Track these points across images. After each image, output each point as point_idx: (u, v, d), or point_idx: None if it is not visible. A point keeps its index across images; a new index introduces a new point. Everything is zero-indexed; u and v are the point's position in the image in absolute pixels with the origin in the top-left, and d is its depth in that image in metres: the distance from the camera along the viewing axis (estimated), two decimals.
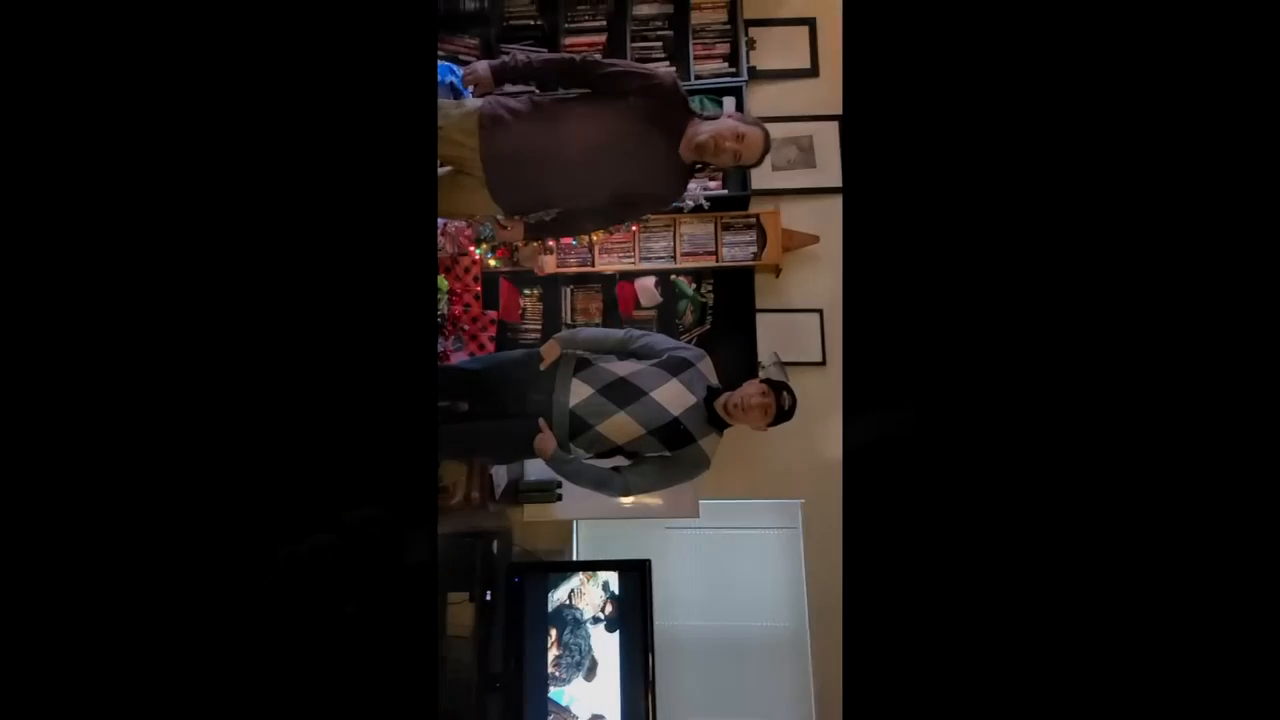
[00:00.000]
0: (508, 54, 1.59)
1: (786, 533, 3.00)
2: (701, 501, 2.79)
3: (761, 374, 2.93)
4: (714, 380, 1.77)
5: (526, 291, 3.07)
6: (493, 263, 2.82)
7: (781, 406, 1.65)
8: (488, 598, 2.51)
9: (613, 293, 3.00)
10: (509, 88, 1.61)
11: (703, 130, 1.53)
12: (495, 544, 2.61)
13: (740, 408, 1.65)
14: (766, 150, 1.60)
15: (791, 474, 2.95)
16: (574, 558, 3.02)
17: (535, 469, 2.89)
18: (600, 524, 3.04)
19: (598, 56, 1.59)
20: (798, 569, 2.94)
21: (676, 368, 1.72)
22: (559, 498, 2.84)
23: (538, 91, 1.61)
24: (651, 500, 2.87)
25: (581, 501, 2.84)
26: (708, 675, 2.90)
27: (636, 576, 2.63)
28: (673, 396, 1.68)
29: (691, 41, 3.04)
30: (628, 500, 2.88)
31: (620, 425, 1.67)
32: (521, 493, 2.82)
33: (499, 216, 1.81)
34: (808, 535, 2.92)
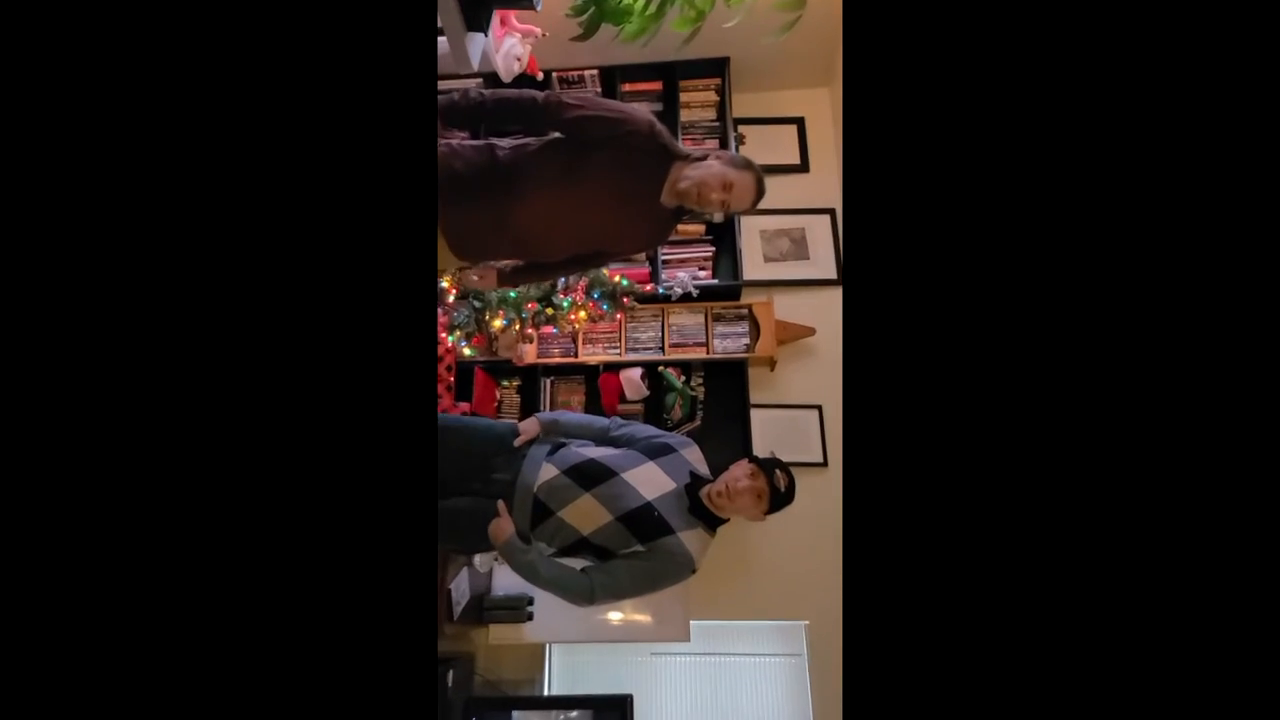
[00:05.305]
0: (456, 92, 1.39)
1: (790, 661, 2.67)
2: (693, 623, 2.51)
3: None
4: (702, 470, 1.57)
5: (504, 383, 2.88)
6: (468, 351, 2.64)
7: (776, 488, 1.44)
8: None
9: (596, 385, 2.81)
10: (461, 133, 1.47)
11: (686, 177, 1.38)
12: (451, 674, 2.24)
13: (727, 495, 1.44)
14: (760, 195, 1.44)
15: (794, 591, 2.69)
16: (546, 688, 2.62)
17: (504, 582, 2.57)
18: (577, 649, 2.69)
19: (564, 96, 1.37)
20: (804, 703, 2.59)
21: (655, 451, 1.54)
22: (530, 616, 2.51)
23: (497, 139, 1.45)
24: (638, 617, 2.54)
25: (556, 621, 2.52)
26: None
27: (616, 717, 2.25)
28: (646, 479, 1.47)
29: (681, 137, 3.04)
30: (615, 618, 2.56)
31: (584, 510, 1.45)
32: (486, 610, 2.48)
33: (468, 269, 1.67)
34: (814, 663, 2.60)
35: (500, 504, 1.47)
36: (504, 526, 1.45)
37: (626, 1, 1.79)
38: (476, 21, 1.76)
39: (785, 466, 1.47)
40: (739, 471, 1.46)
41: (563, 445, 1.58)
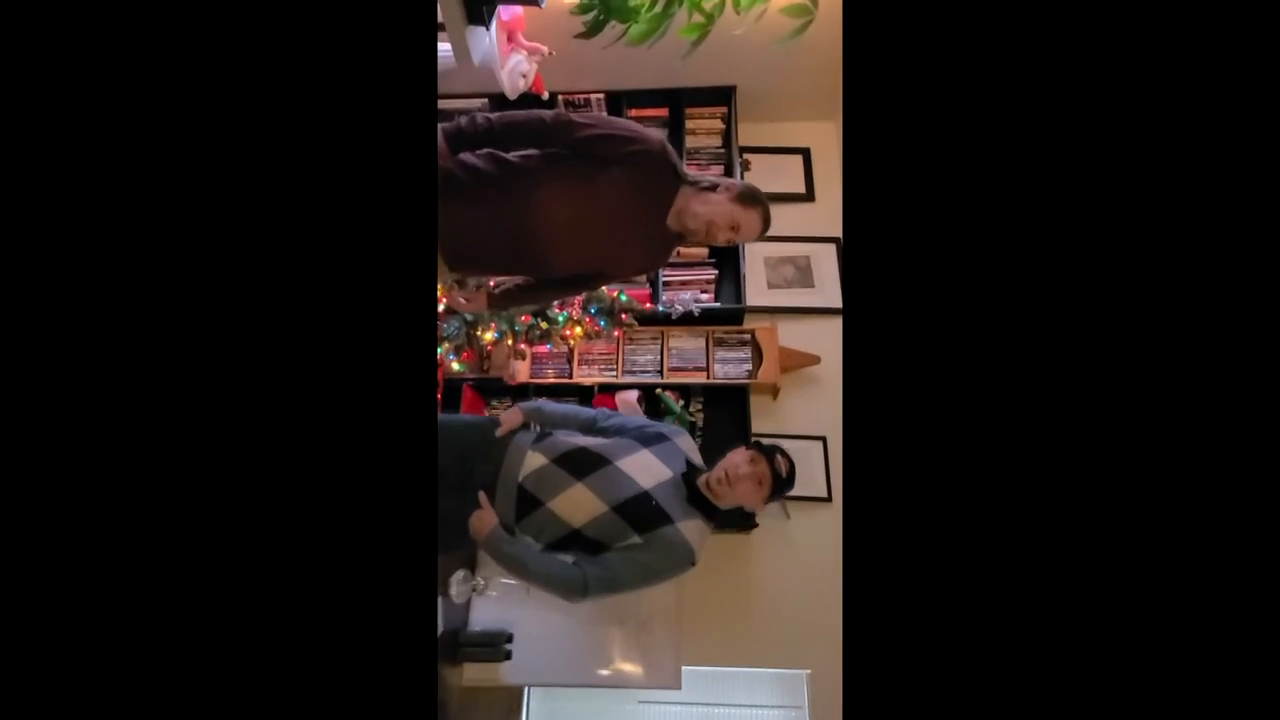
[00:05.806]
0: (464, 115, 1.39)
1: (790, 714, 2.49)
2: (685, 669, 2.32)
3: (758, 516, 2.54)
4: (696, 459, 1.48)
5: (494, 402, 2.75)
6: (456, 367, 2.52)
7: (777, 473, 1.37)
8: None
9: (589, 406, 2.68)
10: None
11: (695, 214, 1.37)
12: None
13: (726, 482, 1.37)
14: (766, 228, 1.44)
15: (795, 637, 2.52)
16: None
17: (483, 616, 2.38)
18: (558, 694, 2.50)
19: (573, 115, 1.37)
20: None
21: (649, 439, 1.45)
22: (508, 655, 2.31)
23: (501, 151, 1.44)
24: (624, 663, 2.34)
25: (536, 662, 2.33)
26: None
27: None
28: (643, 467, 1.38)
29: (686, 163, 3.01)
30: (600, 664, 2.36)
31: (577, 500, 1.34)
32: (461, 647, 2.29)
33: (455, 282, 1.61)
34: (815, 716, 2.42)
35: (481, 495, 1.36)
36: (486, 519, 1.34)
37: (634, 1, 1.76)
38: (478, 15, 1.72)
39: (785, 451, 1.40)
40: (739, 458, 1.37)
41: (549, 434, 1.48)
